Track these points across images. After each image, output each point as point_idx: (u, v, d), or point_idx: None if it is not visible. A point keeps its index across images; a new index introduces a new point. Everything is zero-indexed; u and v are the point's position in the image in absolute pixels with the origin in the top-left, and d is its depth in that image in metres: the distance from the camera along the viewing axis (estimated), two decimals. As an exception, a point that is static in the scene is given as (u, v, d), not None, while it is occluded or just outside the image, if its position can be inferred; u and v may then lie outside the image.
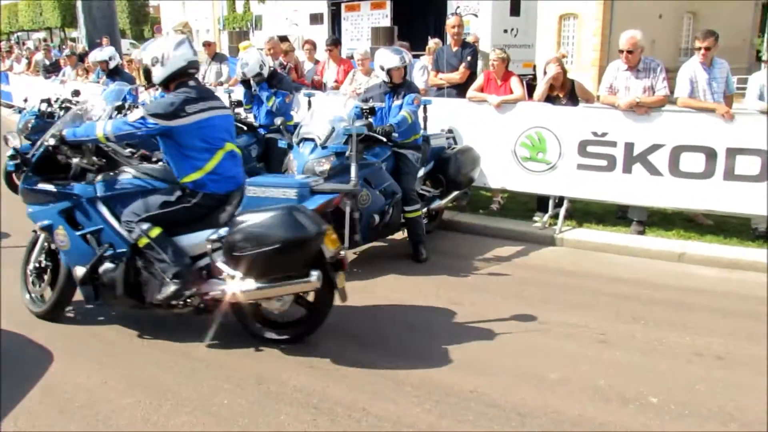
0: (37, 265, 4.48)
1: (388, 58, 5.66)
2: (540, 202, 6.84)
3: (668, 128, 6.04)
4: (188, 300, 3.94)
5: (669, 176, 6.07)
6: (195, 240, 3.96)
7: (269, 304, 3.98)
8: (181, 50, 3.91)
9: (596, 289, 5.13)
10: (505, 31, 15.44)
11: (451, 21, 7.64)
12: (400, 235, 6.13)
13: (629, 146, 6.17)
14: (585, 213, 6.85)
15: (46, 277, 4.46)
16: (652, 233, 6.31)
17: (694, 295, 5.02)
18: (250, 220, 3.70)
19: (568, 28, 28.81)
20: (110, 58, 8.69)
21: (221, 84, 9.19)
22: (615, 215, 6.81)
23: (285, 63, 8.39)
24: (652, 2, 27.44)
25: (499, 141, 6.73)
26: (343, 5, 17.85)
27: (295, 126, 5.89)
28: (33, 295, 4.54)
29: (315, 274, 3.74)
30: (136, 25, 61.72)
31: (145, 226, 3.88)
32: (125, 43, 29.68)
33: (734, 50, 25.71)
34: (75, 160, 4.10)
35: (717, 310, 4.73)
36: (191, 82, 3.95)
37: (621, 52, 6.15)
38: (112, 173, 4.15)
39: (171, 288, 3.85)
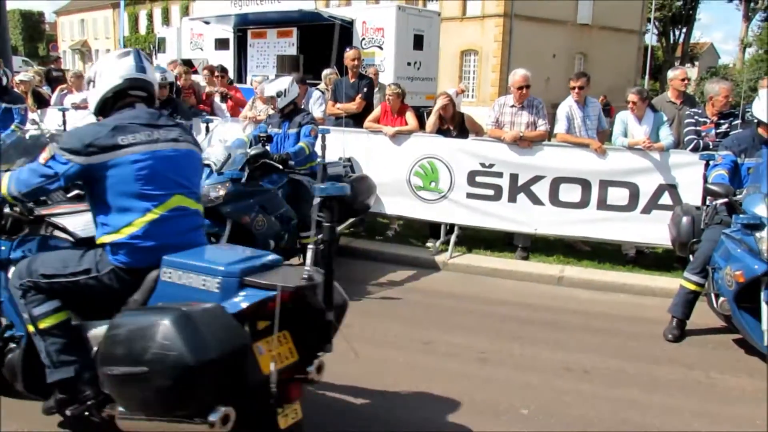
0: None
1: (267, 87, 5.90)
2: (433, 229, 7.16)
3: (549, 161, 6.53)
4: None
5: (550, 205, 6.55)
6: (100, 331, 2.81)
7: None
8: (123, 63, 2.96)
9: (481, 311, 5.44)
10: (409, 63, 16.03)
11: (350, 54, 7.91)
12: (297, 260, 6.23)
13: (514, 177, 6.61)
14: (475, 239, 7.22)
15: None
16: (535, 258, 6.75)
17: (569, 315, 5.43)
18: (130, 322, 2.47)
19: (469, 63, 30.12)
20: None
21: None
22: (503, 242, 7.21)
23: (180, 86, 8.39)
24: (546, 42, 29.19)
25: (395, 170, 7.01)
26: (249, 32, 17.93)
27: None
28: None
29: (219, 412, 2.34)
30: (30, 41, 58.92)
31: (44, 307, 2.85)
32: (17, 61, 28.22)
33: (620, 89, 27.66)
34: (6, 210, 3.14)
35: (587, 328, 5.14)
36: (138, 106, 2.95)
37: (519, 89, 6.58)
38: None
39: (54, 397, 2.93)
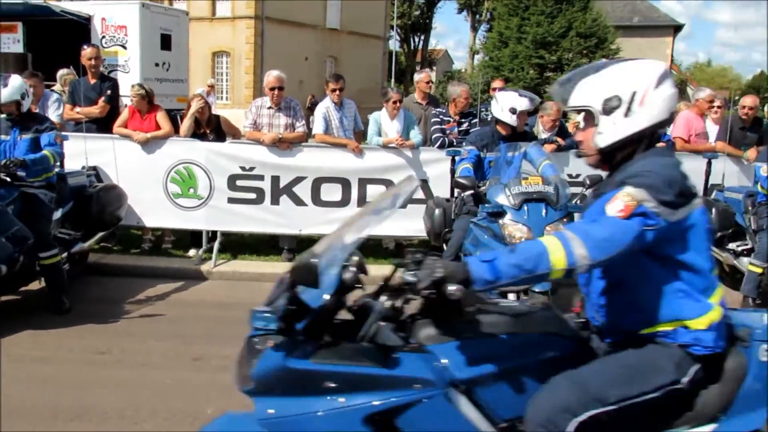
0: None
1: (5, 91, 5.08)
2: (194, 237, 6.82)
3: (309, 162, 6.61)
4: None
5: (312, 205, 6.63)
6: None
7: None
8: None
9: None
10: (157, 64, 15.16)
11: (87, 52, 7.17)
12: (37, 285, 5.49)
13: (276, 179, 6.57)
14: (240, 245, 7.05)
15: None
16: (302, 259, 6.77)
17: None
18: None
19: (221, 65, 29.50)
20: None
21: None
22: (268, 245, 7.13)
23: None
24: (298, 45, 29.74)
25: (148, 178, 6.55)
26: (-41, 25, 15.45)
27: None
28: None
29: None
30: None
31: None
32: None
33: (369, 92, 29.27)
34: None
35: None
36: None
37: (272, 89, 6.51)
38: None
39: None
